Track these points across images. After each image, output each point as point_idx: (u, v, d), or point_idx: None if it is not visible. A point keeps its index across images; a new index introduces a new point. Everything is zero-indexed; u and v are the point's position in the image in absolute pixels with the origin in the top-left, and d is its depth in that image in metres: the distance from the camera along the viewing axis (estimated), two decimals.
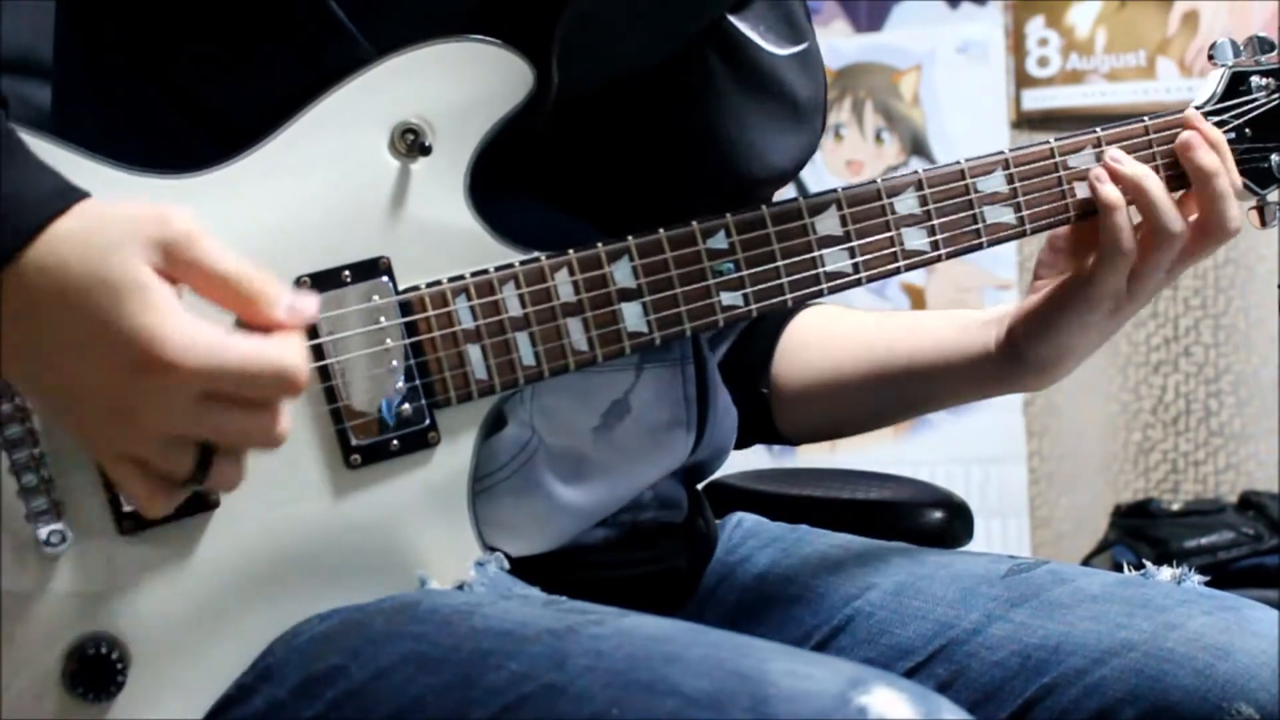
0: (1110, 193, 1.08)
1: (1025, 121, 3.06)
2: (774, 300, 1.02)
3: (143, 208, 0.80)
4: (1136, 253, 1.09)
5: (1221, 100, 1.15)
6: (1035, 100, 3.05)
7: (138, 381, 0.78)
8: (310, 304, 0.82)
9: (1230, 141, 1.14)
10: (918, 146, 3.09)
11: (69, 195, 0.81)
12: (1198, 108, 1.15)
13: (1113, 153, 1.09)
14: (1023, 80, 3.06)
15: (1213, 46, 1.17)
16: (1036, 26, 3.05)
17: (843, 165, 3.09)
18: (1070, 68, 3.04)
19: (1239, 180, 1.12)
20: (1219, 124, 1.14)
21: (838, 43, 3.08)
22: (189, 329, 0.78)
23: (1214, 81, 1.16)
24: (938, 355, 1.21)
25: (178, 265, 0.80)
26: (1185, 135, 1.11)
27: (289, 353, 0.80)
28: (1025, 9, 3.05)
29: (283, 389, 0.81)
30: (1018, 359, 1.16)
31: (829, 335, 1.25)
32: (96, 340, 0.78)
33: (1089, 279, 1.10)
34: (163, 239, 0.80)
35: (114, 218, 0.80)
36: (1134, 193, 1.08)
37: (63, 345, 0.79)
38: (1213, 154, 1.10)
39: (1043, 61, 3.05)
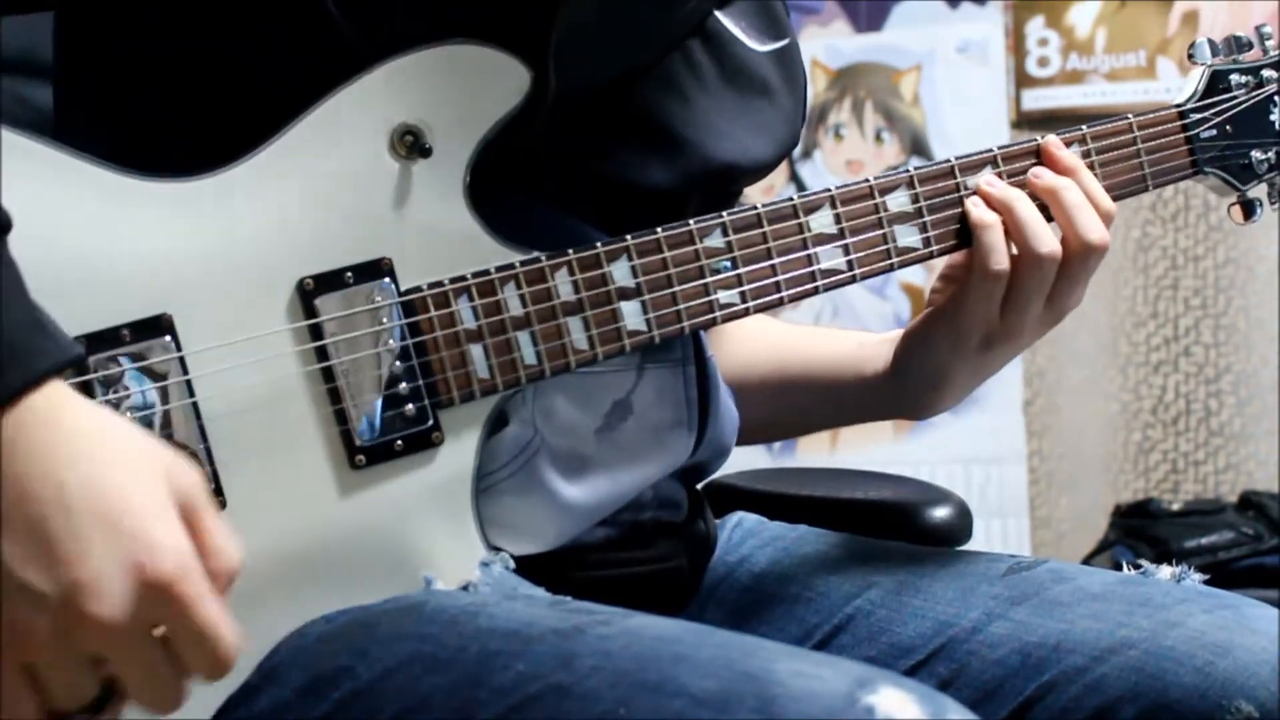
0: (983, 213, 1.07)
1: (1025, 121, 3.06)
2: (770, 298, 1.03)
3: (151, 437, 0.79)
4: (1008, 279, 1.07)
5: (1202, 98, 1.16)
6: (1035, 100, 3.05)
7: (128, 576, 0.74)
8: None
9: (1212, 138, 1.15)
10: (918, 146, 3.09)
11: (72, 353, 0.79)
12: (1178, 106, 1.16)
13: (987, 177, 1.08)
14: (1023, 80, 3.06)
15: (1192, 46, 1.18)
16: (1036, 26, 3.05)
17: (843, 165, 3.10)
18: (1070, 68, 3.04)
19: (1101, 195, 1.10)
20: (1200, 121, 1.15)
21: (838, 43, 3.08)
22: (196, 562, 0.76)
23: (1194, 80, 1.17)
24: (833, 368, 1.22)
25: (190, 503, 0.78)
26: (1034, 169, 1.09)
27: (237, 643, 0.78)
28: (1025, 9, 3.05)
29: (217, 667, 0.77)
30: (901, 382, 1.17)
31: (743, 332, 1.26)
32: (109, 518, 0.74)
33: (958, 303, 1.10)
34: (180, 474, 0.78)
35: (134, 431, 0.78)
36: (1004, 213, 1.07)
37: (63, 507, 0.74)
38: (1051, 174, 1.09)
39: (1043, 61, 3.05)
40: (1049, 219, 1.08)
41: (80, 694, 0.78)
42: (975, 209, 1.07)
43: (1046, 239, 1.07)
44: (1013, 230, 1.07)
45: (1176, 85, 2.95)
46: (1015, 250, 1.07)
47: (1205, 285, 3.00)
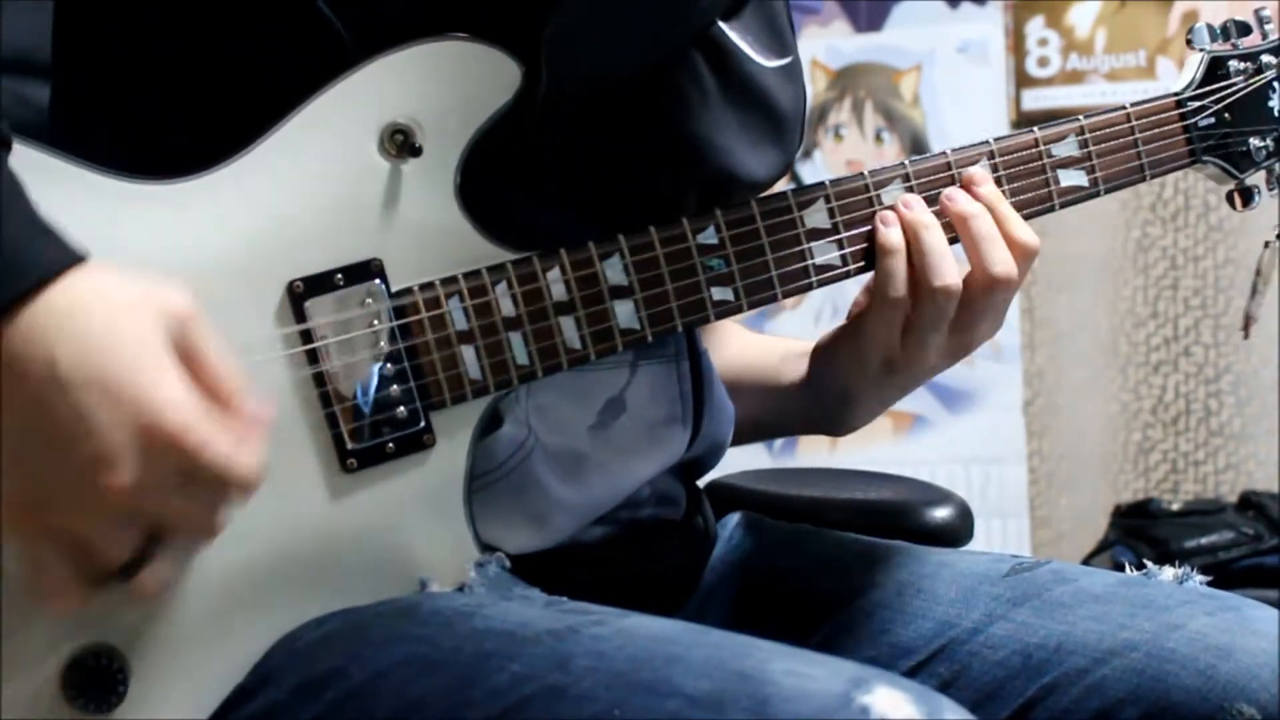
0: (891, 236, 1.05)
1: (1025, 121, 3.05)
2: (764, 294, 1.03)
3: (147, 282, 0.81)
4: (909, 306, 1.05)
5: (1200, 85, 1.16)
6: (1035, 100, 3.05)
7: (136, 440, 0.77)
8: (268, 411, 0.83)
9: (1210, 126, 1.14)
10: (918, 146, 3.09)
11: (70, 257, 0.80)
12: (1175, 95, 1.15)
13: (904, 197, 1.06)
14: (1023, 80, 3.06)
15: (1190, 31, 1.17)
16: (1036, 26, 3.05)
17: (843, 165, 3.10)
18: (1070, 68, 3.04)
19: (1019, 229, 1.06)
20: (1198, 110, 1.14)
21: (838, 43, 3.08)
22: (197, 406, 0.79)
23: (1193, 67, 1.16)
24: (756, 376, 1.23)
25: (185, 343, 0.80)
26: (946, 191, 1.07)
27: (260, 459, 0.81)
28: (1025, 9, 3.05)
29: (246, 487, 0.81)
30: (813, 395, 1.17)
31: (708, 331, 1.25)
32: (107, 390, 0.77)
33: (860, 325, 1.09)
34: (177, 314, 0.80)
35: (125, 283, 0.80)
36: (910, 238, 1.05)
37: (62, 387, 0.77)
38: (969, 200, 1.06)
39: (1043, 61, 3.05)
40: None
41: (123, 549, 0.81)
42: (882, 231, 1.05)
43: (946, 272, 1.04)
44: (915, 257, 1.04)
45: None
46: (915, 279, 1.05)
47: (1205, 285, 2.99)
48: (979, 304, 1.06)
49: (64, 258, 0.80)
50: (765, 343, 1.27)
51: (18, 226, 0.79)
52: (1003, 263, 1.05)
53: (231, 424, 0.80)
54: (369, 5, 0.95)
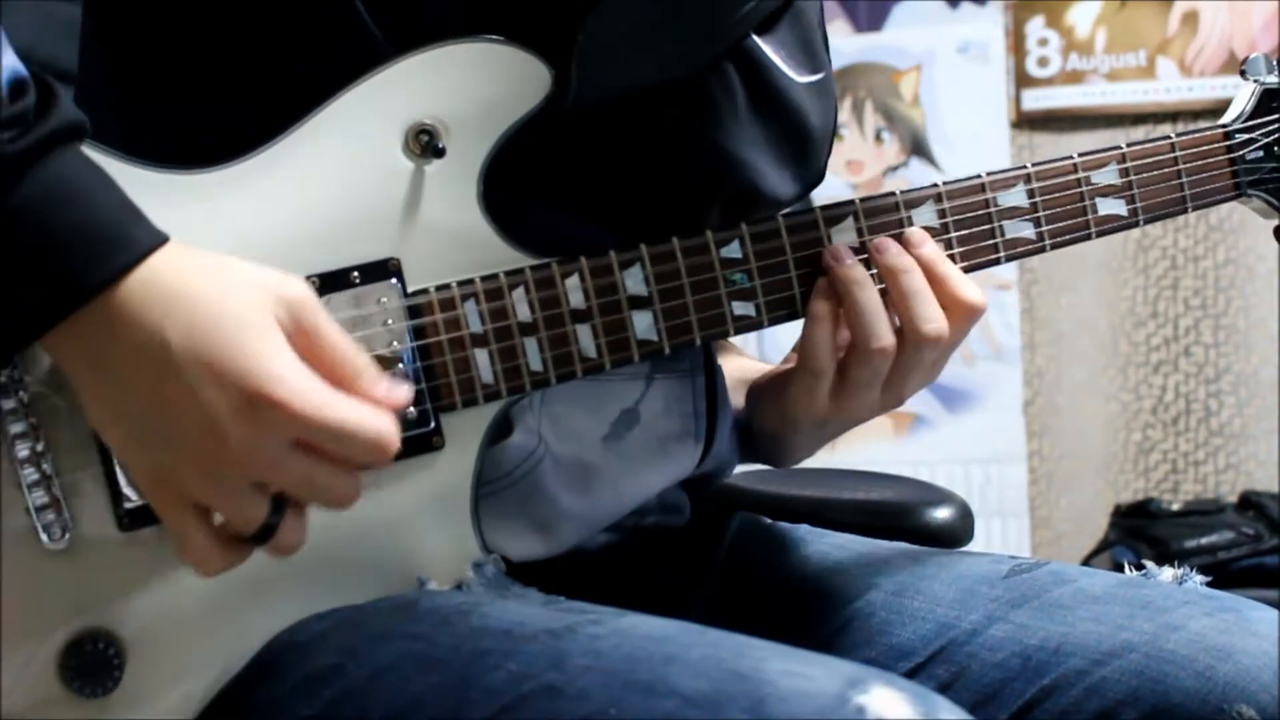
0: (816, 305, 1.01)
1: (1025, 121, 3.06)
2: (786, 311, 1.01)
3: (262, 268, 0.84)
4: (834, 369, 1.02)
5: (1251, 117, 1.13)
6: (1035, 100, 3.05)
7: (242, 413, 0.80)
8: (404, 392, 0.85)
9: (1258, 160, 1.12)
10: (918, 146, 3.09)
11: (159, 237, 0.83)
12: (1224, 126, 1.12)
13: (832, 248, 1.01)
14: (1023, 80, 3.06)
15: (1245, 61, 1.14)
16: (1036, 26, 3.05)
17: (843, 165, 3.10)
18: (1070, 68, 3.04)
19: (960, 286, 1.02)
20: (1246, 142, 1.12)
21: (838, 43, 3.06)
22: (305, 377, 0.81)
23: (1244, 99, 1.13)
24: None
25: (300, 326, 0.83)
26: (876, 241, 1.02)
27: (388, 423, 0.83)
28: (1025, 9, 3.05)
29: (374, 454, 0.83)
30: (749, 429, 1.15)
31: None
32: (212, 365, 0.80)
33: (782, 388, 1.07)
34: (289, 298, 0.83)
35: (239, 264, 0.84)
36: (843, 294, 1.01)
37: (173, 366, 0.80)
38: (900, 253, 1.02)
39: (1043, 61, 3.05)
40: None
41: (252, 515, 0.83)
42: (813, 301, 1.01)
43: (879, 333, 1.00)
44: (847, 315, 1.01)
45: (1176, 85, 2.97)
46: (845, 335, 1.02)
47: (1205, 285, 2.99)
48: (908, 362, 1.02)
49: (153, 238, 0.82)
50: (739, 364, 1.23)
51: (113, 207, 0.82)
52: (932, 321, 1.01)
53: (354, 395, 0.83)
54: (404, 5, 0.95)
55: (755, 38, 1.06)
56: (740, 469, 1.42)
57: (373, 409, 0.83)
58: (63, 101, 0.83)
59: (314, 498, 0.85)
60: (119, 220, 0.82)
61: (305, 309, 0.83)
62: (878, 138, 3.10)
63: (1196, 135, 1.11)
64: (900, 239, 1.03)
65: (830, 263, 1.01)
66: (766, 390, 1.13)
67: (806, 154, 1.10)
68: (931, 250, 1.03)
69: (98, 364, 0.82)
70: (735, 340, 1.25)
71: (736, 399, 1.17)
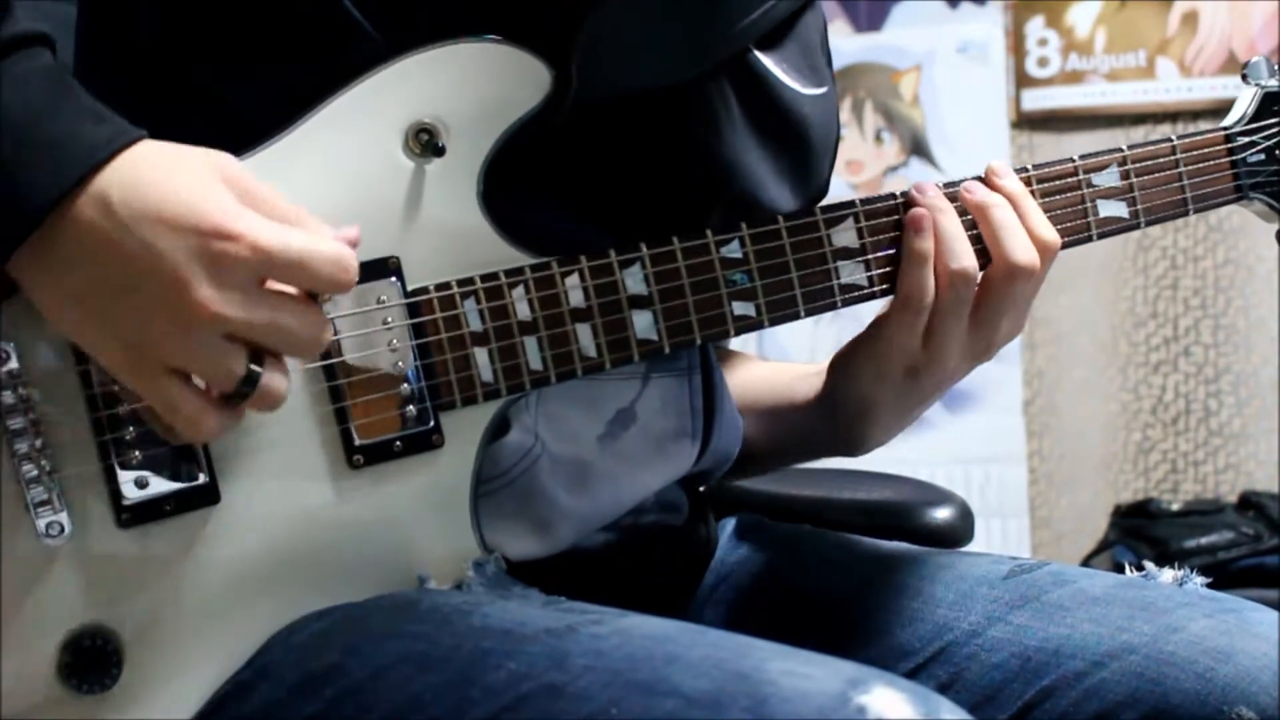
0: (912, 241, 1.03)
1: (1025, 121, 3.06)
2: (787, 311, 1.01)
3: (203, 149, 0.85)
4: (930, 307, 1.04)
5: (1252, 120, 1.13)
6: (1035, 100, 3.05)
7: (204, 255, 0.80)
8: (352, 231, 0.87)
9: (1259, 163, 1.12)
10: (917, 146, 3.09)
11: (129, 135, 0.84)
12: (1225, 129, 1.13)
13: (917, 184, 1.04)
14: (1023, 80, 3.06)
15: (1246, 65, 1.14)
16: (1036, 26, 3.05)
17: (843, 165, 3.10)
18: (1070, 68, 3.04)
19: (1041, 225, 1.06)
20: (1247, 145, 1.13)
21: (838, 43, 3.05)
22: (260, 218, 0.82)
23: (1245, 102, 1.14)
24: (768, 397, 1.21)
25: (238, 185, 0.83)
26: (966, 183, 1.06)
27: (344, 247, 0.84)
28: (1025, 9, 3.05)
29: (336, 276, 0.83)
30: (829, 411, 1.15)
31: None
32: (163, 216, 0.81)
33: (879, 330, 1.07)
34: (223, 163, 0.84)
35: (178, 146, 0.85)
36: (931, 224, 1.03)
37: (121, 227, 0.81)
38: (988, 190, 1.05)
39: (1042, 61, 3.05)
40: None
41: (230, 367, 0.83)
42: (907, 234, 1.03)
43: (962, 254, 1.03)
44: (935, 241, 1.03)
45: (1176, 85, 2.97)
46: (934, 267, 1.03)
47: (1205, 285, 2.99)
48: (998, 295, 1.05)
49: (119, 136, 0.83)
50: (778, 365, 1.26)
51: (72, 114, 0.83)
52: (1024, 250, 1.04)
53: (304, 228, 0.84)
54: (399, 6, 0.95)
55: (759, 53, 1.06)
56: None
57: (330, 242, 0.84)
58: (14, 13, 0.85)
59: (283, 341, 0.84)
60: (70, 132, 0.83)
61: (242, 173, 0.84)
62: (878, 138, 3.10)
63: (1198, 138, 1.12)
64: (986, 172, 1.06)
65: (915, 194, 1.04)
66: (859, 347, 1.10)
67: (808, 166, 1.10)
68: (1014, 182, 1.06)
69: (53, 264, 0.83)
70: (735, 341, 1.26)
71: (809, 386, 1.17)
